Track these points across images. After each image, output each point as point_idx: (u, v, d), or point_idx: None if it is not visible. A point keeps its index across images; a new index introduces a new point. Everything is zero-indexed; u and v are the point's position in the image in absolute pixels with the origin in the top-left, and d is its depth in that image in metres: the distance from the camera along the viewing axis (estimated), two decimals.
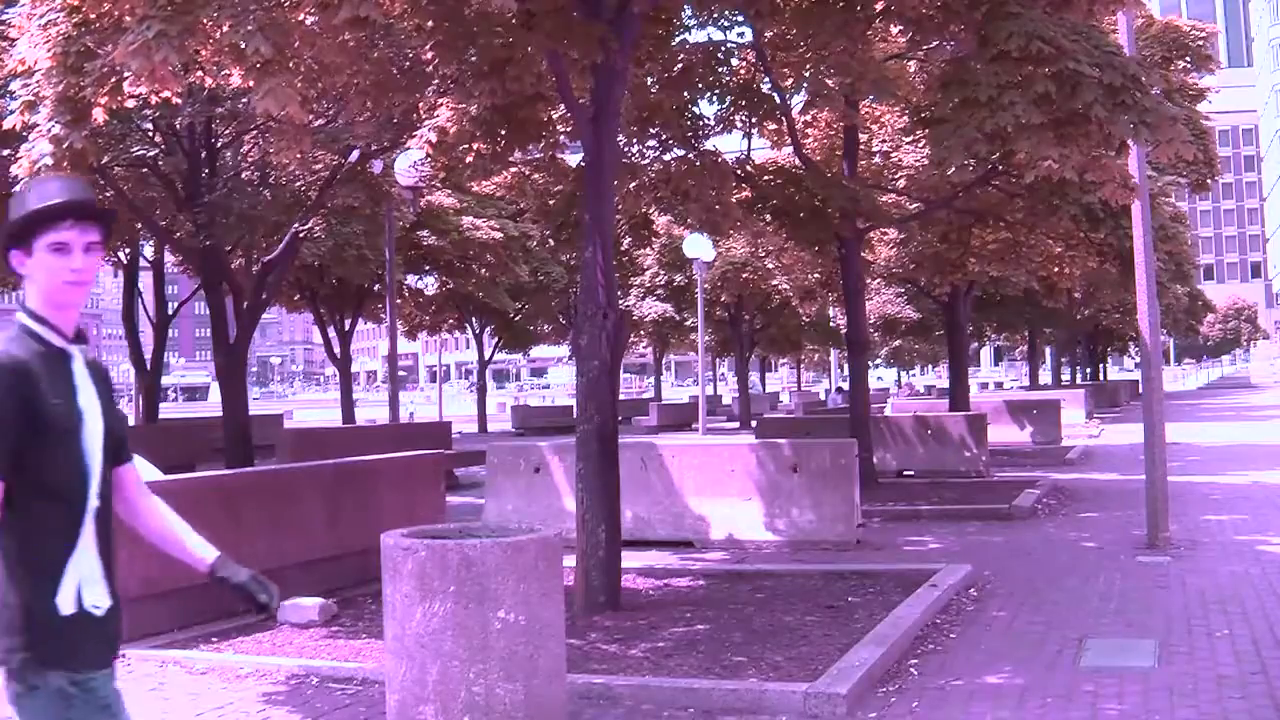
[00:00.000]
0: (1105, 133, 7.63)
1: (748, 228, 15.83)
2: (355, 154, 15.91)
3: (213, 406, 34.28)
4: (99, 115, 6.06)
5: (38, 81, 6.11)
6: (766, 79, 12.89)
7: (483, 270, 27.49)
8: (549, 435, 21.50)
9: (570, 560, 6.84)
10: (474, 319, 37.25)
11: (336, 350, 28.40)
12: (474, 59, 7.49)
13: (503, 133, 8.39)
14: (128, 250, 24.36)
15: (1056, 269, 18.81)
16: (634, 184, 11.27)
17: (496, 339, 40.17)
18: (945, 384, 32.86)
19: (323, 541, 8.54)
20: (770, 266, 28.35)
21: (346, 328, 28.56)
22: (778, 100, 13.14)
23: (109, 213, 2.58)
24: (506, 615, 4.22)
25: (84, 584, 2.37)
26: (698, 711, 5.31)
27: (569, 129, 9.81)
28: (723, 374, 74.00)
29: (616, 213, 9.97)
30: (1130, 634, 6.69)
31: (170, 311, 25.94)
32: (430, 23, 7.55)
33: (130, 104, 6.41)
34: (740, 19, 11.32)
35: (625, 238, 15.00)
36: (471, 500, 14.12)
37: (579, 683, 5.44)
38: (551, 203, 13.41)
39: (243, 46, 5.54)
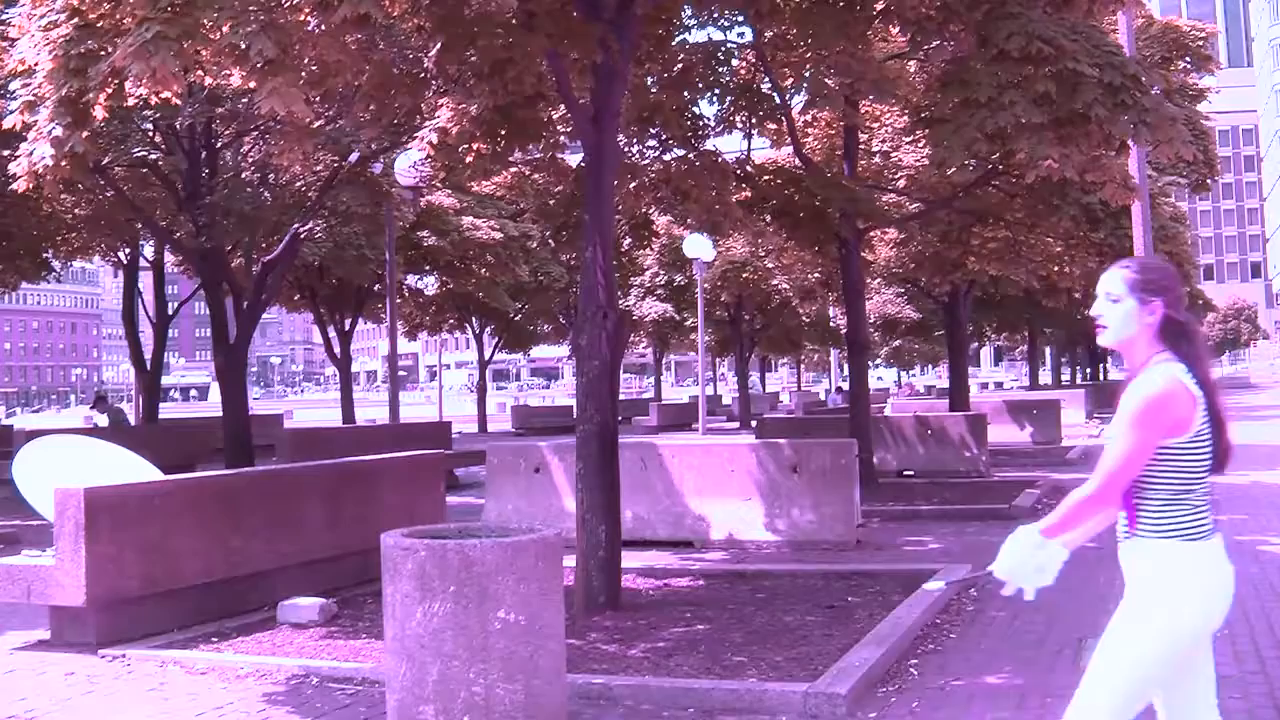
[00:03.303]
0: (1105, 133, 7.63)
1: (748, 228, 15.82)
2: (355, 155, 15.93)
3: (213, 406, 34.24)
4: (99, 114, 6.05)
5: (39, 83, 6.11)
6: (766, 79, 12.88)
7: (483, 270, 27.50)
8: (549, 435, 21.49)
9: (570, 560, 6.84)
10: (474, 319, 37.27)
11: (336, 350, 28.40)
12: (474, 59, 7.49)
13: (503, 133, 8.38)
14: (128, 250, 24.39)
15: (1056, 269, 18.81)
16: (634, 184, 11.26)
17: (496, 339, 40.18)
18: (945, 384, 32.86)
19: (323, 541, 8.54)
20: (770, 266, 28.35)
21: (346, 328, 28.56)
22: (778, 100, 13.14)
23: None
24: (506, 615, 4.23)
25: None
26: (698, 711, 5.31)
27: (569, 129, 9.80)
28: (723, 374, 74.02)
29: (616, 213, 9.96)
30: None
31: (170, 311, 25.95)
32: (430, 23, 7.55)
33: (131, 104, 6.40)
34: (740, 19, 11.31)
35: (625, 238, 15.00)
36: (471, 500, 14.12)
37: (579, 683, 5.44)
38: (551, 203, 13.42)
39: (244, 47, 5.53)
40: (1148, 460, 2.94)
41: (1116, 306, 3.05)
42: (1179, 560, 2.95)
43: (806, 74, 12.67)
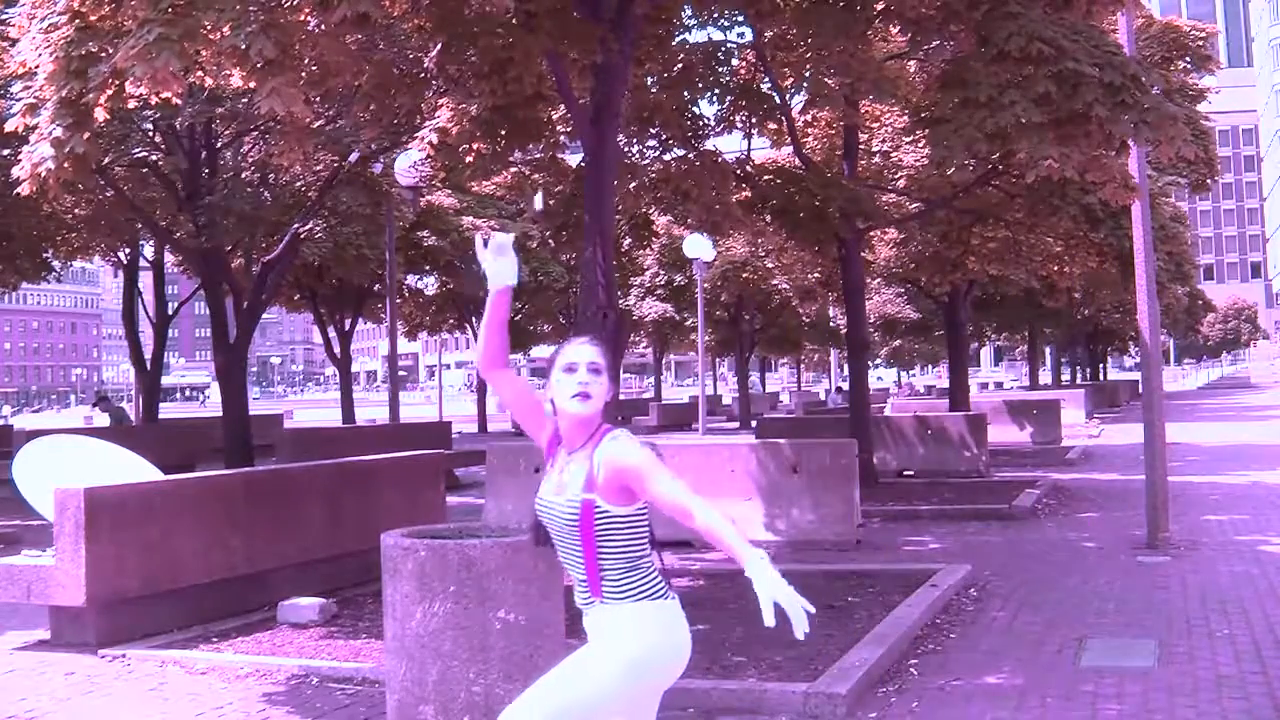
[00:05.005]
0: (1106, 132, 7.63)
1: (748, 228, 15.84)
2: (355, 155, 15.94)
3: (212, 406, 34.33)
4: (100, 115, 6.06)
5: (40, 85, 6.11)
6: (766, 79, 12.89)
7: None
8: None
9: None
10: (474, 319, 37.25)
11: (336, 350, 28.40)
12: (474, 59, 7.50)
13: (503, 133, 8.39)
14: (128, 250, 24.39)
15: (1056, 269, 18.81)
16: (634, 184, 11.28)
17: None
18: (945, 384, 32.85)
19: (323, 541, 8.54)
20: (770, 266, 28.34)
21: (346, 328, 28.56)
22: (778, 100, 13.14)
23: None
24: (506, 615, 4.23)
25: None
26: (698, 711, 5.31)
27: (569, 129, 9.82)
28: (723, 374, 74.00)
29: (616, 213, 9.97)
30: (1130, 634, 6.69)
31: (170, 311, 25.96)
32: (430, 23, 7.56)
33: (131, 104, 6.41)
34: (740, 19, 11.33)
35: (625, 238, 15.01)
36: (471, 500, 14.12)
37: None
38: (551, 203, 13.42)
39: (244, 47, 5.54)
40: (624, 526, 3.11)
41: (600, 378, 3.18)
42: (649, 619, 3.17)
43: (806, 74, 12.68)
